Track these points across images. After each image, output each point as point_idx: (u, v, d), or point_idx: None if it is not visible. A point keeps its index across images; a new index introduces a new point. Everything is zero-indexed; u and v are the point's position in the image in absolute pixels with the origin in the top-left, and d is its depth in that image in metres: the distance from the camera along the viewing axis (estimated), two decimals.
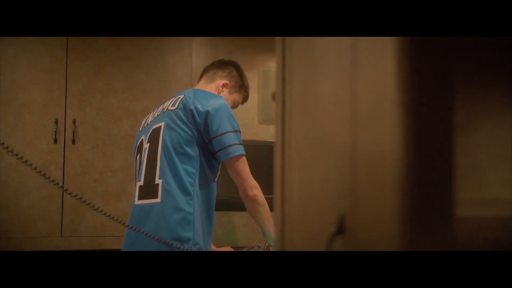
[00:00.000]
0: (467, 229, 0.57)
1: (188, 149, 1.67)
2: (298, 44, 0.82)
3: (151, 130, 1.80)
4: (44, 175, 1.36)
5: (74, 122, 2.46)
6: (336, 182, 0.66)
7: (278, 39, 0.88)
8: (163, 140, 1.71)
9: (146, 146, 1.79)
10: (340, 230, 0.63)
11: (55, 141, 2.43)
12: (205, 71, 1.99)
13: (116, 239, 2.43)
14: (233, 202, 2.42)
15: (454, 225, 0.54)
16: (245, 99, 2.03)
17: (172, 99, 1.83)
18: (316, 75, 0.74)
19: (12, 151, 1.36)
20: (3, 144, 1.35)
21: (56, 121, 2.44)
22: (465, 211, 0.57)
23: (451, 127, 0.55)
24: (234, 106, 1.99)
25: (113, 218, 1.47)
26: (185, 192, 1.65)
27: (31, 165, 1.38)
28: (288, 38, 0.85)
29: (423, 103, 0.53)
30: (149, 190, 1.71)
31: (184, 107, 1.72)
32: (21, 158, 1.36)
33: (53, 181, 1.37)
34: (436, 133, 0.54)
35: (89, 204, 1.47)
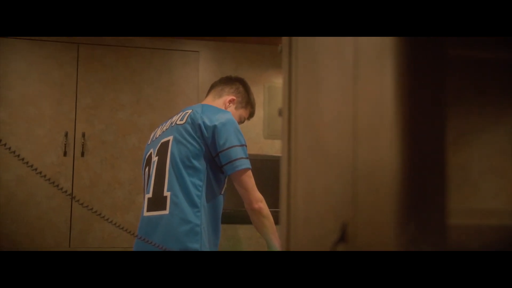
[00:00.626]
0: (460, 237, 0.62)
1: (195, 163, 1.72)
2: (303, 62, 0.87)
3: (159, 143, 1.85)
4: (53, 183, 1.40)
5: (83, 135, 2.51)
6: (338, 192, 0.70)
7: (284, 57, 0.93)
8: (172, 153, 1.75)
9: (154, 159, 1.84)
10: (342, 237, 0.68)
11: (65, 153, 2.49)
12: (212, 87, 2.04)
13: (124, 251, 2.47)
14: (239, 215, 2.46)
15: (447, 232, 0.58)
16: (251, 114, 2.08)
17: (181, 113, 1.88)
18: (319, 92, 0.79)
19: (23, 159, 1.41)
20: (15, 152, 1.40)
21: (66, 134, 2.49)
22: (458, 220, 0.62)
23: (445, 141, 0.59)
24: (241, 121, 2.04)
25: (122, 228, 1.51)
26: (193, 204, 1.69)
27: (41, 173, 1.42)
28: (294, 56, 0.90)
29: (418, 118, 0.58)
30: (157, 202, 1.75)
31: (192, 121, 1.77)
32: (31, 166, 1.41)
33: (65, 191, 1.42)
34: (431, 146, 0.58)
35: (99, 214, 1.52)
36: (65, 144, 2.49)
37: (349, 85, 0.68)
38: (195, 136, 1.74)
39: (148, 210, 1.79)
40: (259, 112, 2.33)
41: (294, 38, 0.92)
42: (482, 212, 0.64)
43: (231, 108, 1.99)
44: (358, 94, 0.66)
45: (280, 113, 0.96)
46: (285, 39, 0.94)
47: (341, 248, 0.68)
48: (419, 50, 0.58)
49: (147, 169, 1.90)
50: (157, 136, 1.92)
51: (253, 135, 2.70)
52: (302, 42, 0.88)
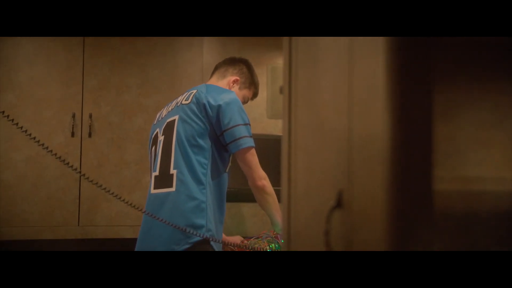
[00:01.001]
0: (447, 203, 0.67)
1: (200, 141, 1.77)
2: (302, 44, 0.92)
3: (165, 123, 1.90)
4: (64, 161, 1.46)
5: (90, 116, 2.57)
6: (335, 163, 0.75)
7: (285, 39, 0.98)
8: (177, 132, 1.80)
9: (161, 138, 1.89)
10: (339, 204, 0.73)
11: (72, 134, 2.54)
12: (217, 67, 2.09)
13: (131, 229, 2.54)
14: (243, 193, 2.51)
15: (434, 197, 0.63)
16: (254, 95, 2.12)
17: (186, 93, 1.92)
18: (318, 71, 0.84)
19: (34, 138, 1.47)
20: (26, 131, 1.46)
21: (73, 116, 2.55)
22: (445, 186, 0.67)
23: (431, 115, 0.65)
24: (244, 101, 2.08)
25: (131, 204, 1.57)
26: (198, 181, 1.75)
27: (51, 151, 1.49)
28: (294, 38, 0.95)
29: (407, 94, 0.63)
30: (164, 179, 1.81)
31: (197, 101, 1.81)
32: (43, 144, 1.47)
33: (75, 169, 1.48)
34: (418, 119, 0.63)
35: (109, 191, 1.58)
36: (72, 125, 2.55)
37: (345, 65, 0.73)
38: (200, 116, 1.79)
39: (155, 188, 1.85)
40: (263, 92, 2.38)
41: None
42: (468, 179, 0.70)
43: (235, 88, 2.03)
44: (352, 73, 0.72)
45: (281, 91, 1.01)
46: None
47: (337, 214, 0.73)
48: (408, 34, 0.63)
49: (153, 148, 1.95)
50: (163, 116, 1.97)
51: (257, 115, 2.75)
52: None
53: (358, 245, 0.68)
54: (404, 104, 0.63)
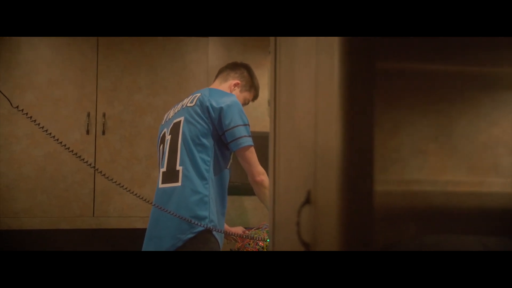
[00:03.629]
0: (390, 200, 0.85)
1: (204, 140, 1.95)
2: (284, 64, 1.10)
3: (172, 124, 2.07)
4: (80, 157, 1.65)
5: (104, 115, 2.76)
6: (305, 167, 0.93)
7: (271, 60, 1.15)
8: (183, 132, 1.98)
9: (168, 137, 2.07)
10: (307, 200, 0.91)
11: (87, 132, 2.74)
12: (220, 72, 2.26)
13: (141, 219, 2.73)
14: (245, 187, 2.70)
15: (374, 196, 0.81)
16: (255, 97, 2.29)
17: (190, 96, 2.10)
18: (295, 90, 1.02)
19: (53, 135, 1.65)
20: (47, 131, 1.65)
21: (88, 115, 2.74)
22: (390, 187, 0.85)
23: (373, 131, 0.82)
24: (245, 103, 2.25)
25: (142, 198, 1.76)
26: (202, 177, 1.93)
27: (68, 148, 1.67)
28: (278, 59, 1.13)
29: (355, 115, 0.80)
30: (171, 175, 1.99)
31: (201, 104, 1.99)
32: (61, 142, 1.66)
33: (89, 164, 1.67)
34: (364, 135, 0.81)
35: (121, 185, 1.77)
36: (87, 124, 2.74)
37: (312, 88, 0.91)
38: (204, 117, 1.96)
39: (162, 183, 2.03)
40: (264, 93, 2.55)
41: (278, 42, 1.14)
42: (409, 182, 0.87)
43: (236, 91, 2.20)
44: (317, 95, 0.89)
45: (269, 103, 1.19)
46: (272, 44, 1.17)
47: (306, 208, 0.91)
48: (356, 64, 0.80)
49: (161, 147, 2.13)
50: (170, 117, 2.15)
51: (258, 114, 2.92)
52: (284, 46, 1.11)
53: (321, 233, 0.86)
54: (353, 122, 0.81)
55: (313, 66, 0.91)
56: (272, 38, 1.15)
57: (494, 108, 0.91)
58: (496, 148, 0.90)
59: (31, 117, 1.61)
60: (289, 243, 1.00)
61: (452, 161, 0.89)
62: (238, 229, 2.29)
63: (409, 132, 0.88)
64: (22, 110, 1.59)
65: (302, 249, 0.91)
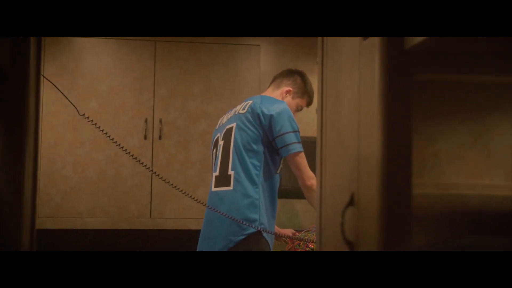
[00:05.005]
0: (428, 202, 0.91)
1: (254, 146, 2.04)
2: (330, 74, 1.17)
3: (225, 129, 2.17)
4: (139, 161, 1.78)
5: (160, 121, 2.91)
6: (349, 172, 1.01)
7: (319, 71, 1.23)
8: (235, 138, 2.07)
9: (221, 143, 2.17)
10: (351, 202, 0.99)
11: (145, 137, 2.90)
12: (274, 78, 2.32)
13: (195, 221, 2.85)
14: (295, 191, 2.76)
15: (413, 199, 0.87)
16: (308, 103, 2.32)
17: (243, 103, 2.19)
18: (339, 100, 1.09)
19: (115, 141, 1.78)
20: (109, 136, 1.78)
21: (146, 121, 2.90)
22: (428, 190, 0.91)
23: (411, 137, 0.88)
24: (298, 109, 2.29)
25: (197, 200, 1.87)
26: (252, 182, 2.01)
27: (129, 153, 1.80)
28: (325, 70, 1.21)
29: (395, 123, 0.87)
30: (223, 179, 2.08)
31: (252, 111, 2.07)
32: (122, 147, 1.79)
33: (148, 167, 1.79)
34: (403, 140, 0.87)
35: (178, 188, 1.89)
36: (145, 129, 2.89)
37: (355, 99, 0.99)
38: (255, 124, 2.05)
39: (215, 186, 2.12)
40: (315, 100, 2.63)
41: (325, 53, 1.22)
42: (447, 185, 0.93)
43: (288, 98, 2.25)
44: (360, 105, 0.97)
45: (316, 111, 1.27)
46: (319, 55, 1.24)
47: (350, 209, 0.99)
48: (395, 77, 0.87)
49: (214, 151, 2.23)
50: (223, 122, 2.24)
51: (309, 119, 2.98)
52: (330, 58, 1.18)
53: (363, 233, 0.93)
54: (393, 130, 0.87)
55: (356, 78, 0.98)
56: (319, 51, 1.23)
57: None
58: None
59: (96, 123, 1.75)
60: (334, 243, 1.07)
61: (489, 166, 0.94)
62: (288, 231, 2.35)
63: (447, 139, 0.93)
64: (88, 117, 1.73)
65: (346, 248, 0.98)
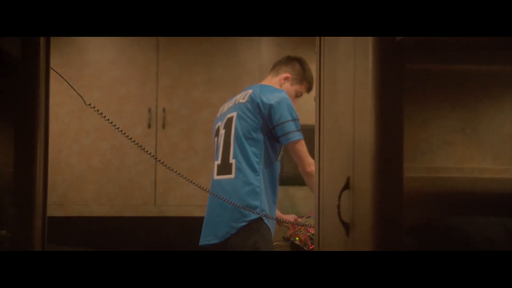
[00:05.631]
0: (420, 185, 0.96)
1: (255, 135, 2.08)
2: (328, 63, 1.22)
3: (226, 118, 2.20)
4: (144, 149, 1.82)
5: (164, 110, 2.96)
6: (345, 157, 1.06)
7: (316, 59, 1.28)
8: (235, 128, 2.11)
9: (222, 132, 2.20)
10: (347, 186, 1.04)
11: (149, 126, 2.94)
12: (274, 66, 2.34)
13: (199, 208, 2.90)
14: (296, 178, 2.81)
15: (405, 182, 0.92)
16: (308, 89, 2.34)
17: (243, 92, 2.22)
18: (336, 88, 1.14)
19: (120, 129, 1.83)
20: (115, 125, 1.83)
21: (149, 110, 2.95)
22: (419, 174, 0.96)
23: (403, 123, 0.93)
24: (297, 96, 2.31)
25: (201, 187, 1.93)
26: (253, 169, 2.06)
27: (134, 141, 1.85)
28: (322, 59, 1.25)
29: (388, 114, 0.92)
30: (225, 167, 2.13)
31: (252, 100, 2.11)
32: (128, 136, 1.84)
33: (153, 155, 1.84)
34: (395, 126, 0.92)
35: (182, 175, 1.94)
36: (149, 118, 2.94)
37: (350, 87, 1.03)
38: (254, 113, 2.09)
39: (217, 174, 2.17)
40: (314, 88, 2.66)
41: (322, 45, 1.26)
42: (437, 169, 0.98)
43: (286, 84, 2.27)
44: (355, 94, 1.01)
45: (315, 100, 1.32)
46: (317, 47, 1.29)
47: (346, 192, 1.04)
48: (387, 66, 0.92)
49: (216, 139, 2.27)
50: (224, 111, 2.27)
51: (309, 107, 3.01)
52: (327, 49, 1.23)
53: (358, 214, 0.99)
54: (386, 117, 0.92)
55: (351, 68, 1.03)
56: (317, 42, 1.28)
57: None
58: None
59: (102, 113, 1.79)
60: (332, 225, 1.12)
61: (478, 151, 0.99)
62: (290, 217, 2.39)
63: (437, 125, 0.99)
64: (94, 107, 1.77)
65: (342, 229, 1.04)
